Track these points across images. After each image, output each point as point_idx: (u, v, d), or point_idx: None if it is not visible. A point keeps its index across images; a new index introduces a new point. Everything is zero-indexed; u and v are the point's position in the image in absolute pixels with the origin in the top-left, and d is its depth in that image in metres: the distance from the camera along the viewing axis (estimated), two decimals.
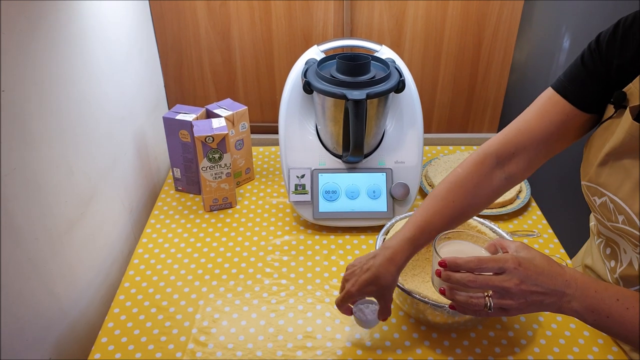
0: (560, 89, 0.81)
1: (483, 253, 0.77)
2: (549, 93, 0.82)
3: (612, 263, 0.85)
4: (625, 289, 0.69)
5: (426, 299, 0.86)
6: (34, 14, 0.82)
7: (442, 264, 0.70)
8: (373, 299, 0.87)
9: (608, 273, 0.88)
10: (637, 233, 0.74)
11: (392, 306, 0.99)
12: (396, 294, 0.93)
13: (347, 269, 0.86)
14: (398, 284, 0.88)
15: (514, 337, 0.94)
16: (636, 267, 0.79)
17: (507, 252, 0.72)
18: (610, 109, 0.77)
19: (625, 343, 0.67)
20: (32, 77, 0.82)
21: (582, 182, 0.82)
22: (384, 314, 0.85)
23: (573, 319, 0.97)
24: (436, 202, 0.84)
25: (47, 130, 0.87)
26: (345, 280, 0.85)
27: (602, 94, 0.77)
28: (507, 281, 0.66)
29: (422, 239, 0.83)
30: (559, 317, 0.97)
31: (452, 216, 0.84)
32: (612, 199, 0.76)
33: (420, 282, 1.02)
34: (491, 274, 0.68)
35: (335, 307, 0.87)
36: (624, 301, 0.65)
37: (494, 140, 0.86)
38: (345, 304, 0.85)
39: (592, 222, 0.94)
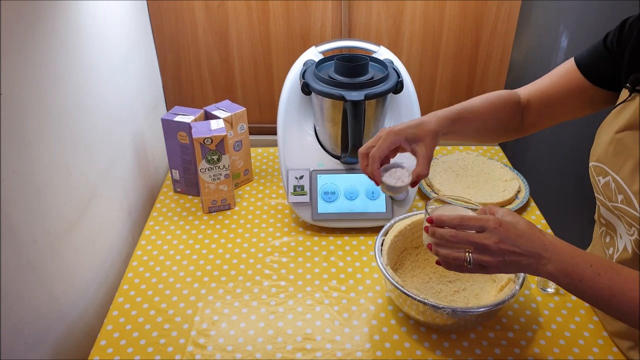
0: (578, 58, 0.88)
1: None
2: (569, 61, 0.89)
3: (611, 250, 0.87)
4: (602, 258, 0.71)
5: (426, 300, 0.86)
6: (32, 16, 0.82)
7: (430, 220, 0.75)
8: (403, 165, 0.86)
9: None
10: (634, 212, 0.75)
11: (391, 307, 1.00)
12: (395, 295, 0.93)
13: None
14: (397, 285, 0.88)
15: (514, 337, 0.93)
16: (630, 250, 0.80)
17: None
18: (625, 93, 0.79)
19: (595, 307, 0.72)
20: (30, 79, 0.82)
21: (590, 164, 0.85)
22: (419, 172, 0.84)
23: (573, 319, 0.97)
24: (483, 100, 0.93)
25: (45, 132, 0.86)
26: (383, 129, 0.86)
27: (614, 73, 0.82)
28: (487, 239, 0.70)
29: (463, 113, 0.90)
30: (559, 318, 0.97)
31: (486, 118, 0.92)
32: (615, 179, 0.78)
33: (420, 283, 1.02)
34: (474, 232, 0.72)
35: (362, 170, 0.88)
36: (597, 268, 0.68)
37: (520, 89, 0.96)
38: (382, 148, 0.84)
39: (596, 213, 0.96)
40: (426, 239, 0.79)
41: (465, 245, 0.72)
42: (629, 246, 0.80)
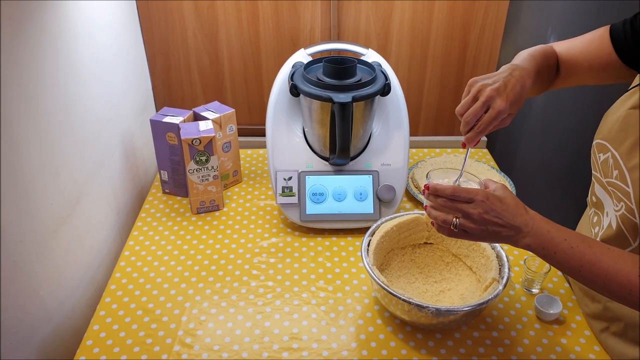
0: (613, 30, 0.88)
1: (473, 185, 0.86)
2: (604, 29, 0.90)
3: (597, 229, 0.91)
4: (576, 232, 0.76)
5: (410, 300, 0.86)
6: (20, 16, 0.82)
7: (426, 187, 0.82)
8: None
9: None
10: (625, 187, 0.80)
11: (378, 307, 1.00)
12: (381, 295, 0.94)
13: (472, 85, 0.83)
14: (382, 284, 0.89)
15: (498, 337, 0.95)
16: (614, 226, 0.84)
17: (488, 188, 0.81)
18: (638, 78, 0.82)
19: (567, 275, 0.78)
20: (17, 79, 0.82)
21: (594, 142, 0.89)
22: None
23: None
24: (540, 54, 0.93)
25: (33, 131, 0.87)
26: (490, 97, 0.80)
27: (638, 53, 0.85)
28: (473, 209, 0.76)
29: (542, 69, 0.91)
30: None
31: (543, 72, 0.92)
32: (613, 154, 0.83)
33: (405, 283, 1.02)
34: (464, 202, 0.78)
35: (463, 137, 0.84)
36: (570, 241, 0.74)
37: (554, 44, 0.98)
38: (494, 123, 0.81)
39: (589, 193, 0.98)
40: (425, 202, 0.85)
41: (454, 213, 0.78)
42: (614, 222, 0.84)
